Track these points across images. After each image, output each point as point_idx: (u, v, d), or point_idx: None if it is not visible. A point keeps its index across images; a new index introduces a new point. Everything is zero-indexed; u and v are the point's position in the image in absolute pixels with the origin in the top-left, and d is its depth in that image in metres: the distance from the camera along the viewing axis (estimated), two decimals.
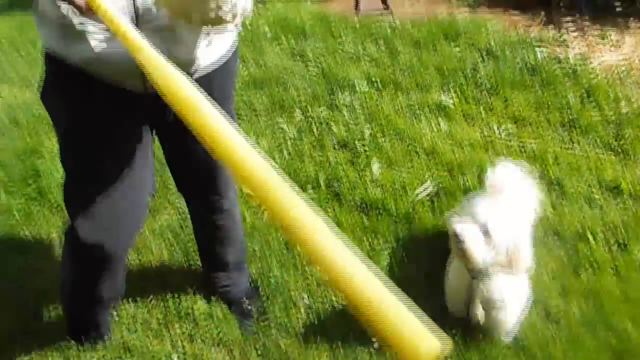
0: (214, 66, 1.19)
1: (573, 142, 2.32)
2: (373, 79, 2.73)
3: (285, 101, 2.59)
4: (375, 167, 2.18)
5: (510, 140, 2.33)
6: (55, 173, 2.31)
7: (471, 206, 1.30)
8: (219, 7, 0.81)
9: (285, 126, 2.43)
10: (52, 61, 1.11)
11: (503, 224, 1.26)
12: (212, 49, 1.14)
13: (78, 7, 0.75)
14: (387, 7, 3.65)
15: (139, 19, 0.96)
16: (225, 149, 0.69)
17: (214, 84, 1.17)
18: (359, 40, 3.18)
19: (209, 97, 1.26)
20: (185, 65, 1.06)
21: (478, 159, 2.20)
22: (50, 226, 2.09)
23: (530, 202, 1.57)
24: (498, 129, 2.40)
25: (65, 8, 0.95)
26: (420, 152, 2.27)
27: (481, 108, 2.53)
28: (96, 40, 0.99)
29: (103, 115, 1.15)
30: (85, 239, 1.22)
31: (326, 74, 2.82)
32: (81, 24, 0.97)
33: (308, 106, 2.55)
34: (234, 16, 0.86)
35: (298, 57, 3.03)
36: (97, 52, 1.01)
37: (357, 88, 2.66)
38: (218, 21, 0.85)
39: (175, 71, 0.73)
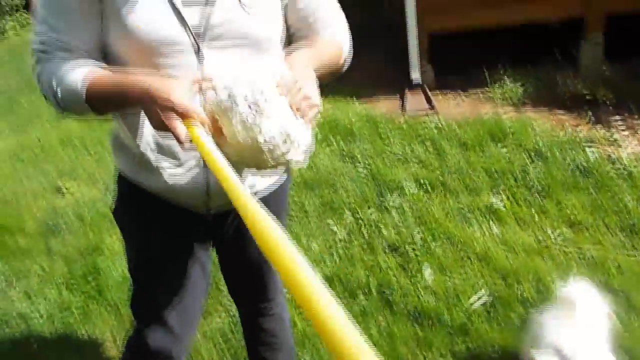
0: (272, 187, 1.26)
1: (635, 249, 2.22)
2: (422, 181, 2.77)
3: (335, 202, 2.66)
4: (427, 272, 2.15)
5: (567, 246, 2.26)
6: (114, 271, 2.41)
7: (547, 330, 1.24)
8: (275, 158, 0.86)
9: (335, 228, 2.47)
10: (125, 182, 1.21)
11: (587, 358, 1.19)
12: (268, 176, 1.21)
13: (178, 140, 0.83)
14: (432, 108, 3.78)
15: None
16: (290, 274, 0.70)
17: (271, 200, 1.24)
18: (406, 141, 3.27)
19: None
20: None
21: (534, 266, 2.14)
22: (106, 326, 2.15)
23: (607, 324, 1.47)
24: (553, 233, 2.35)
25: (144, 146, 1.05)
26: (473, 257, 2.23)
27: (534, 211, 2.50)
28: (169, 174, 1.08)
29: (169, 232, 1.23)
30: (151, 343, 1.26)
31: (375, 175, 2.89)
32: (157, 160, 1.07)
33: (357, 208, 2.59)
34: (299, 157, 0.90)
35: (347, 159, 3.13)
36: (169, 184, 1.10)
37: (406, 190, 2.70)
38: (280, 165, 0.91)
39: (259, 208, 0.77)
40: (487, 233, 2.37)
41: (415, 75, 4.00)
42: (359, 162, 3.07)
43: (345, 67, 1.18)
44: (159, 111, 0.82)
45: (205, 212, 1.19)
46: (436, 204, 2.59)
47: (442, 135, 3.35)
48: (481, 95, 4.00)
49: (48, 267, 2.55)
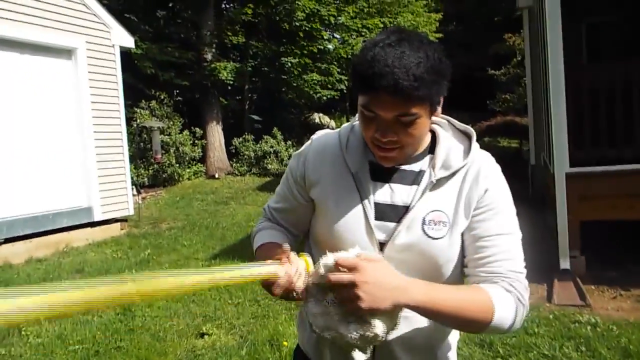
0: None
1: None
2: None
3: None
4: None
5: None
6: None
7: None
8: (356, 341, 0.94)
9: None
10: (300, 355, 1.26)
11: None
12: None
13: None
14: (585, 303, 3.45)
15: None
16: None
17: None
18: (555, 338, 2.98)
19: None
20: None
21: None
22: None
23: None
24: None
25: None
26: None
27: None
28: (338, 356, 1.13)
29: None
30: None
31: None
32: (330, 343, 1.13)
33: None
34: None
35: (486, 348, 2.91)
36: None
37: None
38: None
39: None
40: None
41: (565, 264, 3.77)
42: (500, 355, 2.83)
43: (493, 331, 0.99)
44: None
45: None
46: None
47: (599, 336, 3.00)
48: None
49: None
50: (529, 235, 1.11)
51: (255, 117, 14.54)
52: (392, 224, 1.04)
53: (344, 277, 0.91)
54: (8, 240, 5.81)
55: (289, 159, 12.46)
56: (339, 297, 0.94)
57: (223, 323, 3.71)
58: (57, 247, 6.30)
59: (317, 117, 14.17)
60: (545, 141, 5.63)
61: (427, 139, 1.09)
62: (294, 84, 13.31)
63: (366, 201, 1.05)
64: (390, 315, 0.95)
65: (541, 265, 4.13)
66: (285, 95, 14.04)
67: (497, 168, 1.09)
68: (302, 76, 13.26)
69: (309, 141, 1.18)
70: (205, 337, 3.47)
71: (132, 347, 3.31)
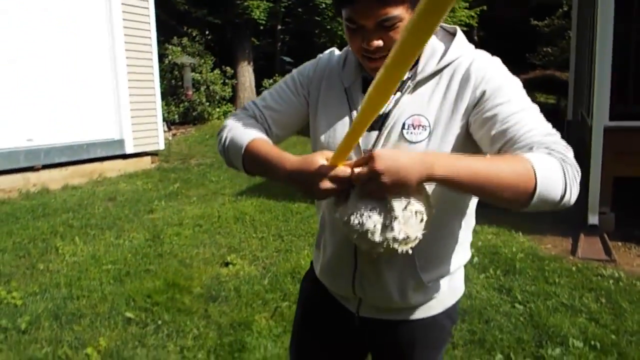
0: (425, 314, 1.23)
1: None
2: (590, 337, 2.47)
3: (486, 339, 2.48)
4: None
5: None
6: (257, 352, 2.52)
7: None
8: (373, 246, 0.90)
9: None
10: (311, 263, 1.36)
11: None
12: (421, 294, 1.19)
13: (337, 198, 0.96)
14: (611, 258, 3.42)
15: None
16: None
17: (417, 332, 1.21)
18: (576, 289, 2.98)
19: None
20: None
21: None
22: None
23: None
24: None
25: (322, 235, 1.21)
26: None
27: None
28: (322, 261, 1.21)
29: (323, 320, 1.30)
30: None
31: (535, 319, 2.65)
32: (319, 249, 1.22)
33: (511, 352, 2.38)
34: (398, 246, 0.90)
35: (505, 293, 2.95)
36: (321, 271, 1.23)
37: (570, 344, 2.42)
38: (385, 253, 0.91)
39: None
40: None
41: (593, 219, 3.71)
42: (518, 301, 2.86)
43: (542, 202, 0.87)
44: (308, 185, 0.94)
45: (354, 312, 1.21)
46: None
47: (621, 290, 2.98)
48: None
49: (203, 331, 2.78)
50: None
51: (287, 59, 14.31)
52: (375, 132, 1.05)
53: (363, 169, 0.87)
54: (45, 167, 6.04)
55: None
56: (367, 192, 0.89)
57: (247, 255, 3.83)
58: (91, 177, 6.52)
59: None
60: (585, 95, 5.41)
61: None
62: (328, 27, 12.96)
63: (354, 112, 1.08)
64: (422, 199, 0.91)
65: (568, 220, 4.07)
66: (317, 38, 13.71)
67: (492, 60, 1.02)
68: (336, 18, 12.87)
69: (328, 51, 1.21)
70: (230, 266, 3.60)
71: (161, 271, 3.47)
